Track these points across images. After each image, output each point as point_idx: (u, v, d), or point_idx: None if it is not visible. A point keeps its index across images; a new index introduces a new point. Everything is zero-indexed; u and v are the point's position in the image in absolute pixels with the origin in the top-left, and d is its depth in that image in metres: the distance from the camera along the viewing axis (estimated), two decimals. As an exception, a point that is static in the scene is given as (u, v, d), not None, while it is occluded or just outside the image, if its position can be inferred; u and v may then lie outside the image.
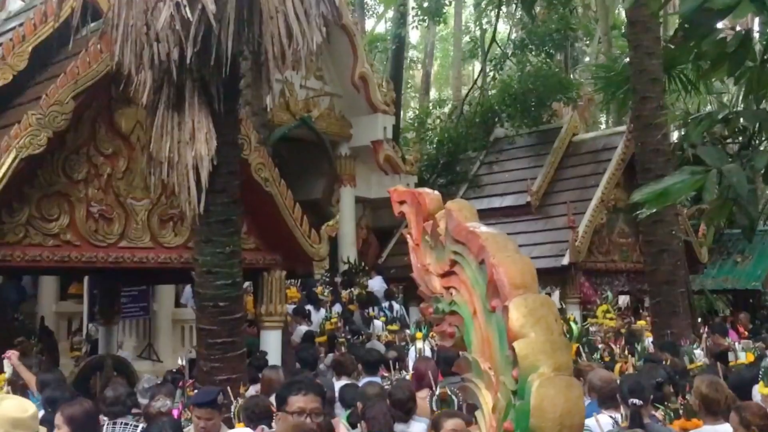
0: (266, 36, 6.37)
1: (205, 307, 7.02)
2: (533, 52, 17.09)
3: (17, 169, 7.13)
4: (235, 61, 6.54)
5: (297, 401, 3.15)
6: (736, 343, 7.50)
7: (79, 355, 12.47)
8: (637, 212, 5.82)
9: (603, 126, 26.01)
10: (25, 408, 3.51)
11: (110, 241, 8.09)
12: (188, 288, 13.40)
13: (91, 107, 7.94)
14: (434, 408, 5.33)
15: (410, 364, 7.57)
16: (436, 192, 2.86)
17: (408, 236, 2.88)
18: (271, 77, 6.70)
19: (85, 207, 7.92)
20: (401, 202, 2.98)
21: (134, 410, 5.72)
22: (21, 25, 8.79)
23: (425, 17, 17.67)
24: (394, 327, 11.93)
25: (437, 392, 5.37)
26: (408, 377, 6.67)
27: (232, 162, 7.09)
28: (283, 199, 8.92)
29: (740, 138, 18.70)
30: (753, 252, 16.85)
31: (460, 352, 2.51)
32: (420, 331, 8.21)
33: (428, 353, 7.44)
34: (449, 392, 5.36)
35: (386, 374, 6.78)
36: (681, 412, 5.09)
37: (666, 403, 5.34)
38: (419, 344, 7.88)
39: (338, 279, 14.29)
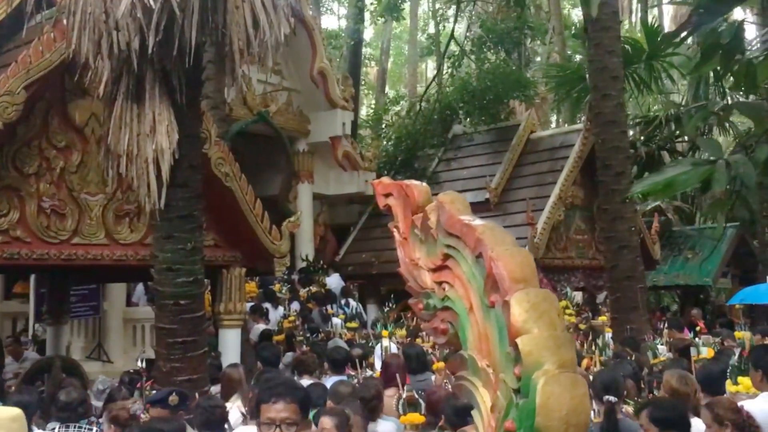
0: (231, 26, 6.18)
1: (164, 306, 6.79)
2: (491, 50, 17.14)
3: (-36, 162, 6.81)
4: (198, 51, 6.33)
5: (266, 410, 2.79)
6: (697, 339, 7.60)
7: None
8: (640, 204, 5.79)
9: (553, 125, 26.33)
10: (9, 409, 3.42)
11: (63, 237, 7.79)
12: (140, 286, 13.08)
13: (43, 98, 7.63)
14: (400, 411, 5.23)
15: (377, 362, 7.47)
16: (425, 184, 2.76)
17: (394, 230, 2.77)
18: (236, 69, 6.50)
19: (37, 202, 7.61)
20: (386, 195, 2.87)
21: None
22: (-33, 12, 8.40)
23: (383, 13, 17.57)
24: (353, 325, 11.82)
25: (404, 395, 5.27)
26: (375, 375, 6.56)
27: (193, 155, 6.87)
28: (244, 194, 8.73)
29: (686, 138, 19.12)
30: (703, 249, 17.22)
31: (455, 350, 2.41)
32: (386, 329, 8.12)
33: (394, 351, 7.34)
34: (416, 395, 5.27)
35: (352, 373, 6.65)
36: (651, 407, 5.07)
37: (636, 398, 5.33)
38: (385, 342, 7.78)
39: (295, 276, 14.09)
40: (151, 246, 7.87)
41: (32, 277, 12.58)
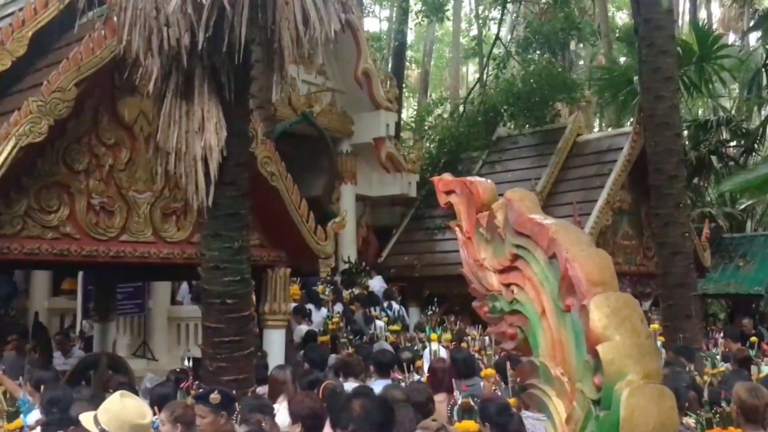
0: (281, 22, 6.11)
1: (211, 305, 6.74)
2: (537, 51, 16.91)
3: (16, 158, 6.83)
4: (247, 48, 6.28)
5: None
6: (760, 360, 7.25)
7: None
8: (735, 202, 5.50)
9: (596, 129, 25.93)
10: (144, 413, 3.45)
11: (111, 234, 7.81)
12: (184, 285, 13.16)
13: (93, 95, 7.65)
14: (455, 417, 5.09)
15: (425, 366, 7.33)
16: (490, 181, 2.63)
17: (456, 229, 2.64)
18: (284, 66, 6.44)
19: (86, 199, 7.63)
20: (448, 192, 2.75)
21: None
22: (21, 9, 8.48)
23: (428, 14, 17.45)
24: (396, 327, 11.71)
25: (459, 401, 5.13)
26: (423, 379, 6.43)
27: (241, 153, 6.82)
28: (290, 194, 8.68)
29: (743, 141, 18.70)
30: (755, 257, 16.70)
31: (524, 356, 2.28)
32: (435, 332, 7.97)
33: (443, 355, 7.20)
34: (471, 401, 5.14)
35: (400, 376, 6.53)
36: (716, 420, 4.86)
37: (698, 411, 5.11)
38: (434, 346, 7.63)
39: (338, 278, 14.04)
40: (197, 244, 7.86)
41: (80, 274, 12.72)
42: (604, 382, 1.84)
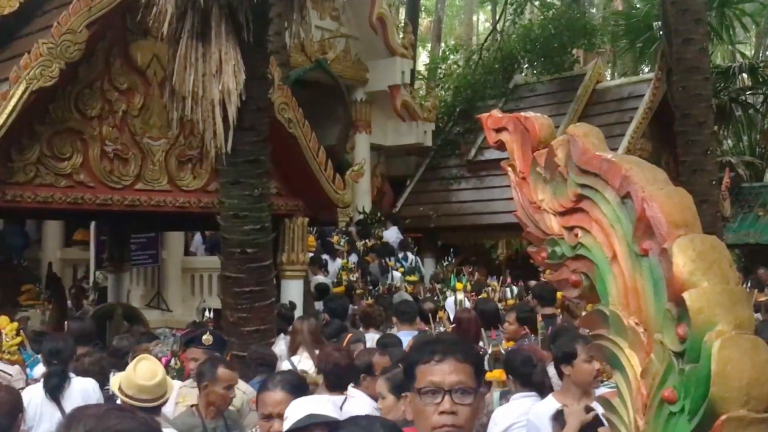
0: (303, -44, 5.81)
1: (231, 254, 6.57)
2: (556, -5, 16.42)
3: (27, 103, 6.62)
4: (267, -15, 6.00)
5: (427, 372, 2.03)
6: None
7: (87, 303, 12.18)
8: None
9: (608, 77, 25.40)
10: (153, 375, 3.71)
11: (126, 182, 7.64)
12: (198, 236, 13.05)
13: (104, 38, 7.40)
14: (486, 367, 4.95)
15: (450, 316, 7.20)
16: (547, 117, 2.43)
17: (509, 169, 2.44)
18: (306, 5, 6.15)
19: (99, 146, 7.43)
20: (498, 130, 2.54)
21: None
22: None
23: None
24: (413, 278, 11.59)
25: (489, 350, 4.99)
26: (448, 330, 6.30)
27: (260, 97, 6.58)
28: (308, 141, 8.45)
29: (765, 89, 18.26)
30: (776, 205, 16.43)
31: (592, 305, 2.10)
32: (460, 281, 7.82)
33: (466, 305, 7.06)
34: (502, 350, 5.00)
35: (426, 327, 6.38)
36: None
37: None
38: (459, 296, 7.49)
39: (353, 228, 13.87)
40: (213, 193, 7.68)
41: (92, 225, 12.63)
42: (691, 333, 1.65)
